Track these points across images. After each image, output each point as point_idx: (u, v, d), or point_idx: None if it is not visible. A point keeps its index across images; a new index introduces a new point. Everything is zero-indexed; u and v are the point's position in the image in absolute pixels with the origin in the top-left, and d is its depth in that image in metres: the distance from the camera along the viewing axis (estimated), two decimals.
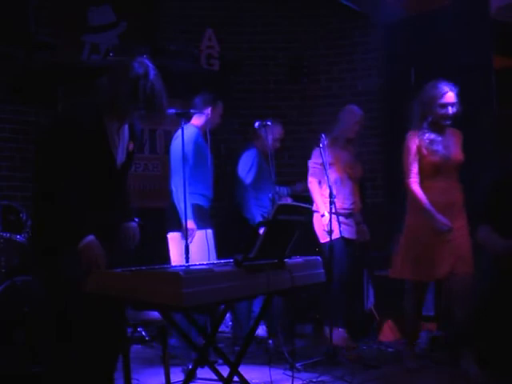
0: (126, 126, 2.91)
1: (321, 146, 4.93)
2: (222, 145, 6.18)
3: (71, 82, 5.66)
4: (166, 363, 3.61)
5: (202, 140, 4.88)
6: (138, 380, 4.02)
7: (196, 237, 4.57)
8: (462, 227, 4.25)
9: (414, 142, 4.27)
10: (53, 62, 5.83)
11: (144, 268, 2.68)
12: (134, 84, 2.74)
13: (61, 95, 5.63)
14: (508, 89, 5.31)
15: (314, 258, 3.40)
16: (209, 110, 4.99)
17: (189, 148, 4.71)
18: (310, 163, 5.24)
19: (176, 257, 4.43)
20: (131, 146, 2.92)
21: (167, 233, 4.60)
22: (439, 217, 4.16)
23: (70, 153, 2.63)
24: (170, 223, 4.76)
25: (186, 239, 4.27)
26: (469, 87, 4.59)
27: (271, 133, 5.32)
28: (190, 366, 3.69)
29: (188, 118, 4.68)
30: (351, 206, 5.22)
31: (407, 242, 4.34)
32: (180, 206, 4.61)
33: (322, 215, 5.03)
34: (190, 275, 2.42)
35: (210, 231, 4.62)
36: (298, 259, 3.25)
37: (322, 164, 4.97)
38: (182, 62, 6.08)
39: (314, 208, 5.13)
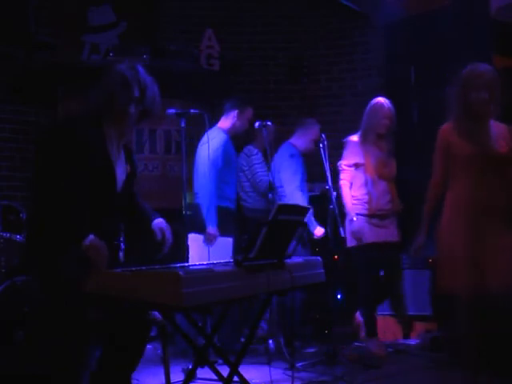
0: (122, 151, 2.91)
1: (321, 146, 4.92)
2: None
3: (71, 81, 5.67)
4: (166, 363, 3.60)
5: (229, 144, 4.95)
6: (137, 380, 4.02)
7: (216, 243, 4.67)
8: (506, 238, 3.57)
9: (441, 137, 3.79)
10: (53, 62, 5.84)
11: (144, 268, 2.67)
12: (124, 76, 2.80)
13: (61, 95, 5.64)
14: (508, 89, 5.30)
15: (314, 258, 3.41)
16: (235, 113, 5.03)
17: (218, 153, 4.81)
18: (341, 164, 4.96)
19: (195, 259, 4.46)
20: (129, 168, 2.94)
21: (188, 233, 4.66)
22: (422, 230, 3.84)
23: (70, 156, 2.63)
24: (192, 224, 4.74)
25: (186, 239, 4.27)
26: None
27: (309, 134, 5.35)
28: (190, 366, 3.69)
29: (188, 118, 4.67)
30: (386, 207, 4.89)
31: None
32: (204, 209, 4.71)
33: (351, 220, 4.80)
34: (189, 275, 2.41)
35: (229, 240, 4.65)
36: (298, 259, 3.25)
37: (355, 165, 4.85)
38: (182, 62, 6.08)
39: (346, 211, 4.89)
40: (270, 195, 5.20)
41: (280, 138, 5.61)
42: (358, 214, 4.82)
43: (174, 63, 6.01)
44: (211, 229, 4.70)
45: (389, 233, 4.89)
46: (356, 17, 6.62)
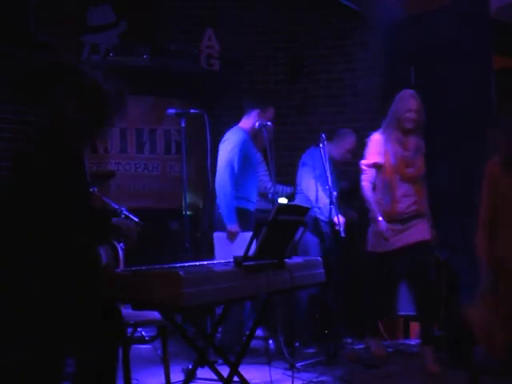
0: None
1: (321, 146, 4.91)
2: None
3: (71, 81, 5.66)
4: (166, 363, 3.61)
5: (248, 143, 4.89)
6: (137, 380, 4.02)
7: (239, 238, 4.65)
8: None
9: (488, 174, 3.39)
10: (53, 62, 5.84)
11: (144, 268, 2.68)
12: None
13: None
14: (508, 89, 5.30)
15: (314, 258, 3.41)
16: (256, 113, 4.92)
17: (234, 152, 4.76)
18: (362, 164, 4.68)
19: (221, 257, 4.51)
20: None
21: (214, 232, 4.78)
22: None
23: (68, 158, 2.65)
24: (217, 223, 4.84)
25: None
26: (469, 87, 4.60)
27: (344, 144, 5.29)
28: (190, 366, 3.70)
29: (187, 118, 4.67)
30: (409, 209, 4.55)
31: None
32: (222, 209, 4.71)
33: (375, 220, 4.53)
34: (190, 275, 2.42)
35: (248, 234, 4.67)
36: (298, 259, 3.26)
37: (375, 165, 4.57)
38: (182, 62, 6.08)
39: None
40: (269, 195, 5.20)
41: (280, 138, 5.60)
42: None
43: (174, 63, 6.01)
44: (231, 226, 4.68)
45: (412, 234, 4.56)
46: (356, 17, 6.61)
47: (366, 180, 4.64)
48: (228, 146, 4.80)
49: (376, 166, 4.61)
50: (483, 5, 5.39)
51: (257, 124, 4.86)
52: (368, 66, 6.76)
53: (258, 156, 5.46)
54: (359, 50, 6.83)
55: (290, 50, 7.01)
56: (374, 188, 4.66)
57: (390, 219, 4.54)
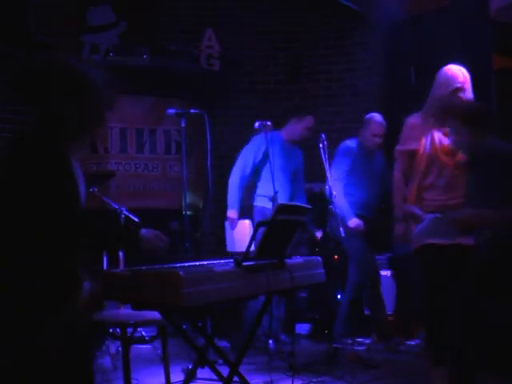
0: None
1: (321, 146, 4.89)
2: (222, 145, 6.19)
3: None
4: (166, 363, 3.60)
5: (274, 145, 5.04)
6: (137, 380, 4.02)
7: (238, 226, 5.01)
8: None
9: None
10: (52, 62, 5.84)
11: (144, 268, 2.67)
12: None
13: None
14: (508, 89, 5.30)
15: (313, 257, 3.41)
16: (293, 121, 5.26)
17: (252, 148, 5.14)
18: (396, 151, 4.06)
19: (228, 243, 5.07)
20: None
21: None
22: None
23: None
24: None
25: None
26: None
27: (369, 129, 5.30)
28: (190, 366, 3.70)
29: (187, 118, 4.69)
30: (449, 202, 3.75)
31: None
32: (228, 195, 5.09)
33: (395, 221, 3.96)
34: (190, 275, 2.42)
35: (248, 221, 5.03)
36: (298, 259, 3.25)
37: (411, 152, 3.85)
38: (182, 62, 6.09)
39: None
40: (271, 194, 5.19)
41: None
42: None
43: (174, 63, 6.01)
44: (229, 212, 5.01)
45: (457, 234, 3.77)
46: (356, 17, 6.62)
47: (398, 170, 4.04)
48: (250, 142, 5.18)
49: (411, 153, 3.93)
50: (483, 5, 5.39)
51: (256, 124, 4.88)
52: (368, 66, 6.77)
53: (290, 161, 5.40)
54: (359, 50, 6.84)
55: (290, 49, 7.02)
56: (408, 177, 3.99)
57: (429, 211, 3.84)
